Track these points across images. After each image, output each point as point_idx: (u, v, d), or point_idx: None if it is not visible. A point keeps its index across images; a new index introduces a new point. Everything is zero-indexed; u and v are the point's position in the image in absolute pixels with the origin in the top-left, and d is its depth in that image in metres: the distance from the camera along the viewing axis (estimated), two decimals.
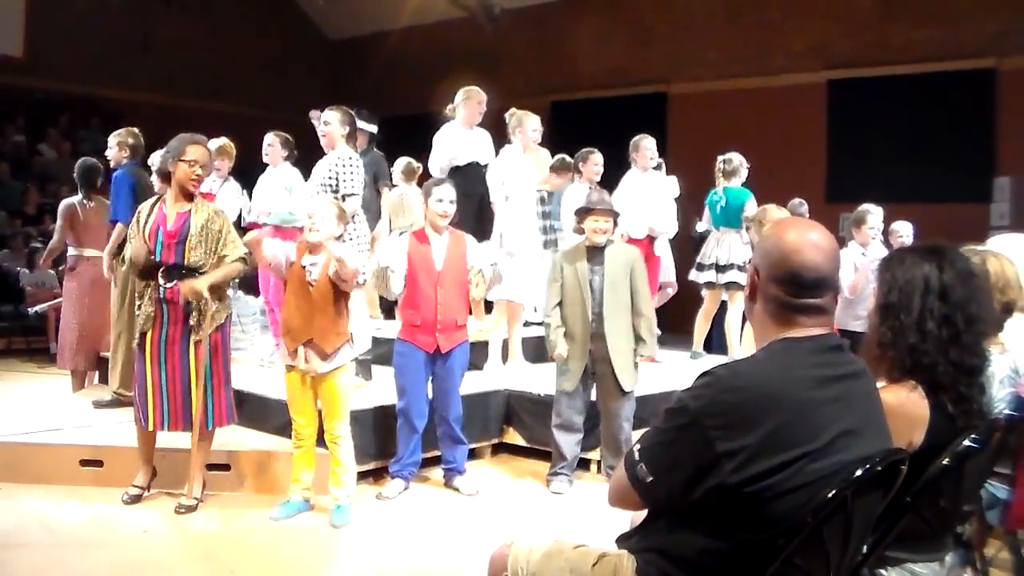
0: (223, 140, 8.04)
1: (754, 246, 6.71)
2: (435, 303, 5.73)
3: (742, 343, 8.06)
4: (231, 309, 5.60)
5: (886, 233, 8.09)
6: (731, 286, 8.39)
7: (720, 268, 8.46)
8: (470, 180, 7.50)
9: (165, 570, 4.66)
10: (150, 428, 5.35)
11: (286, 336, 5.36)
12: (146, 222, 5.34)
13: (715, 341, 9.08)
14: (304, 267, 5.26)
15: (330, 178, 6.50)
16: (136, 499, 5.47)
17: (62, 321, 7.82)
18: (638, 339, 5.98)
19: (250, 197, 8.13)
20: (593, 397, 6.13)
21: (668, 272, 8.96)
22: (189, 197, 5.35)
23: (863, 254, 7.40)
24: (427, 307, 5.73)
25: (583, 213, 5.99)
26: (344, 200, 6.44)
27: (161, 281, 5.27)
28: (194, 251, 5.24)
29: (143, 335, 5.34)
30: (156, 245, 5.28)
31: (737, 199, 8.39)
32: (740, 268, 8.23)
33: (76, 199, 7.77)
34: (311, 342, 5.22)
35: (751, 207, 8.12)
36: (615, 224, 6.12)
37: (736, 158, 8.56)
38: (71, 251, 7.82)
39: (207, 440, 5.48)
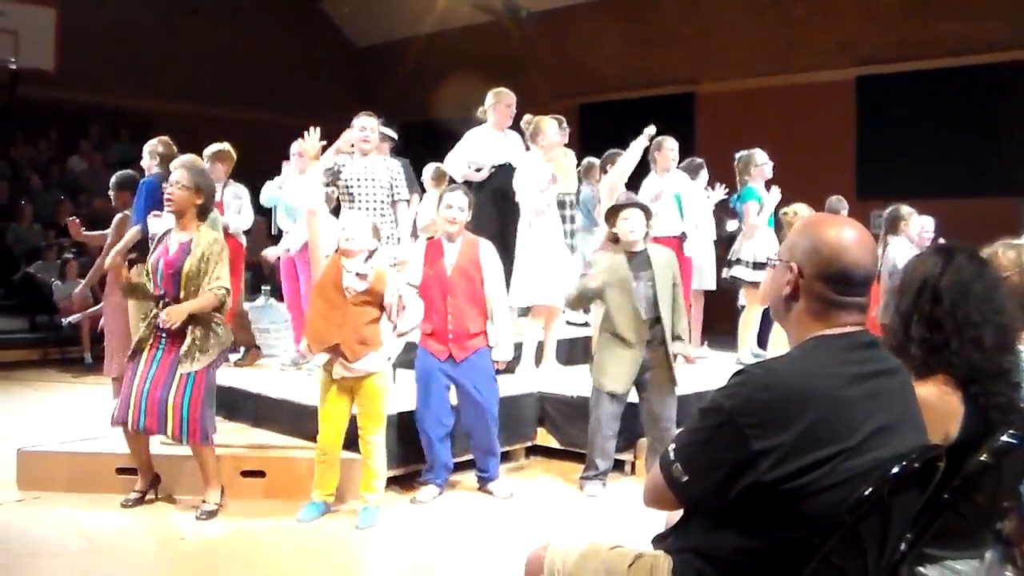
0: (221, 145, 7.90)
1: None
2: (445, 312, 5.70)
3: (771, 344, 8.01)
4: (226, 345, 5.51)
5: None
6: (737, 282, 8.37)
7: (728, 263, 8.44)
8: (506, 181, 7.52)
9: None
10: (119, 421, 5.34)
11: (309, 337, 5.32)
12: (153, 251, 5.40)
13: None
14: (343, 269, 5.16)
15: (392, 181, 6.86)
16: (138, 502, 5.53)
17: (105, 330, 7.82)
18: (677, 338, 5.91)
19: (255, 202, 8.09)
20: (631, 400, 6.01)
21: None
22: (184, 223, 5.34)
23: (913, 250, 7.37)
24: (438, 316, 5.70)
25: (613, 213, 5.92)
26: (395, 206, 6.82)
27: (161, 316, 5.22)
28: (192, 282, 5.22)
29: (136, 353, 5.38)
30: (157, 276, 5.31)
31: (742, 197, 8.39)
32: (744, 264, 8.20)
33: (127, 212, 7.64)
34: (336, 347, 5.16)
35: (751, 207, 8.12)
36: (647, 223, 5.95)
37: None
38: None
39: (202, 451, 5.43)
